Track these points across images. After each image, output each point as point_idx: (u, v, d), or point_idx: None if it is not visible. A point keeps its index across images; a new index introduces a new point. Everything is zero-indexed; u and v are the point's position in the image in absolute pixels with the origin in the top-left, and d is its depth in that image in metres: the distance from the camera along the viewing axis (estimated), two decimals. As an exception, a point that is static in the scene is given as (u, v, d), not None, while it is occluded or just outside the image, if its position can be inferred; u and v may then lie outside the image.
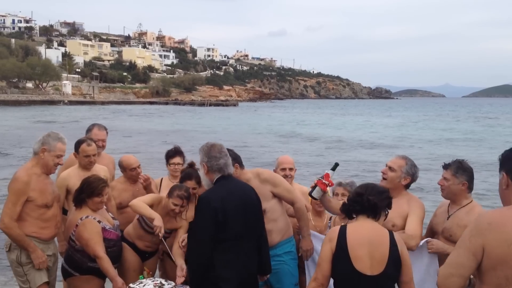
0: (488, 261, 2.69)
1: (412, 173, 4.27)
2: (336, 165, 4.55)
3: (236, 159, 4.45)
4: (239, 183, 4.15)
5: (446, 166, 4.13)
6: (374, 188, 3.51)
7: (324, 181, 4.39)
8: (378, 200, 3.40)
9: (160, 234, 4.55)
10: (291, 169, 5.23)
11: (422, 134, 41.26)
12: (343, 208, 3.53)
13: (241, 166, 4.52)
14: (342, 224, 3.47)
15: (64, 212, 5.13)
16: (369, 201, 3.38)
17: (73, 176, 5.11)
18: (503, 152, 2.99)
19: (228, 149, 4.33)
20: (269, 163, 16.97)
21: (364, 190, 3.45)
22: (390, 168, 4.28)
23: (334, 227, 3.47)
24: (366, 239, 3.27)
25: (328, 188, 4.46)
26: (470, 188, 4.08)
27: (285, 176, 5.09)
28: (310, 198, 4.66)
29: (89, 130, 5.88)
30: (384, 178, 4.30)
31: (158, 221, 4.53)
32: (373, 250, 3.25)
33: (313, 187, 4.43)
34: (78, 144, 5.26)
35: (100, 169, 5.40)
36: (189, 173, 4.96)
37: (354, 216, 3.46)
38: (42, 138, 4.63)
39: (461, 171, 4.04)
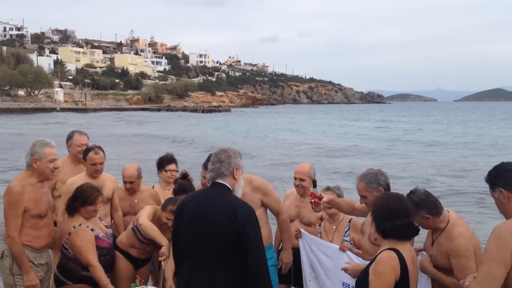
0: None
1: (377, 183, 4.15)
2: (314, 182, 4.77)
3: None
4: (213, 197, 3.60)
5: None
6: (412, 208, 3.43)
7: (313, 200, 4.63)
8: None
9: (163, 263, 4.57)
10: (301, 179, 5.19)
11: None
12: (384, 231, 3.34)
13: None
14: (388, 247, 3.29)
15: (55, 224, 5.10)
16: (415, 227, 3.38)
17: (79, 183, 5.05)
18: (489, 172, 3.15)
19: None
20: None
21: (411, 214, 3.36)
22: (362, 197, 4.24)
23: (386, 252, 3.25)
24: (412, 261, 3.31)
25: (321, 202, 4.66)
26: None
27: (296, 186, 5.21)
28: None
29: (70, 137, 5.81)
30: (368, 206, 4.27)
31: (166, 249, 4.57)
32: (415, 270, 3.34)
33: (312, 208, 4.74)
34: (86, 152, 5.29)
35: (107, 179, 5.42)
36: (183, 186, 4.95)
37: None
38: (30, 150, 4.63)
39: (416, 208, 3.67)
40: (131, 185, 5.49)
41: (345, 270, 4.10)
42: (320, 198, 4.62)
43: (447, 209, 3.84)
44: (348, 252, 4.72)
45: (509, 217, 3.01)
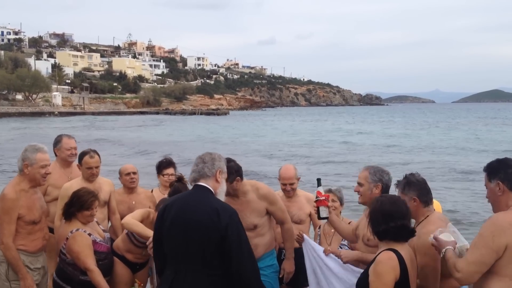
0: (511, 257, 3.00)
1: (379, 178, 4.12)
2: (319, 180, 4.60)
3: (238, 172, 4.41)
4: (195, 199, 3.54)
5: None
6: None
7: (320, 198, 4.43)
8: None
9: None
10: (291, 184, 5.19)
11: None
12: (379, 233, 3.38)
13: (242, 179, 4.49)
14: (386, 248, 3.32)
15: (51, 230, 5.09)
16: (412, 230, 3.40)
17: (75, 188, 5.03)
18: (490, 163, 3.29)
19: (229, 160, 4.27)
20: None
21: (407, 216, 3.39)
22: (359, 184, 4.20)
23: (385, 253, 3.28)
24: (411, 261, 3.34)
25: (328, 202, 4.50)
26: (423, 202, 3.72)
27: (285, 190, 5.21)
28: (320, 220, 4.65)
29: (58, 141, 5.74)
30: (359, 195, 4.22)
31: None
32: (414, 270, 3.37)
33: (317, 211, 4.45)
34: (81, 156, 5.29)
35: (104, 182, 5.42)
36: (178, 189, 4.94)
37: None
38: (21, 155, 4.60)
39: (407, 187, 3.74)
40: (135, 175, 5.56)
41: (338, 255, 4.17)
42: (327, 197, 4.50)
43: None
44: (337, 258, 4.59)
45: (498, 208, 3.18)
